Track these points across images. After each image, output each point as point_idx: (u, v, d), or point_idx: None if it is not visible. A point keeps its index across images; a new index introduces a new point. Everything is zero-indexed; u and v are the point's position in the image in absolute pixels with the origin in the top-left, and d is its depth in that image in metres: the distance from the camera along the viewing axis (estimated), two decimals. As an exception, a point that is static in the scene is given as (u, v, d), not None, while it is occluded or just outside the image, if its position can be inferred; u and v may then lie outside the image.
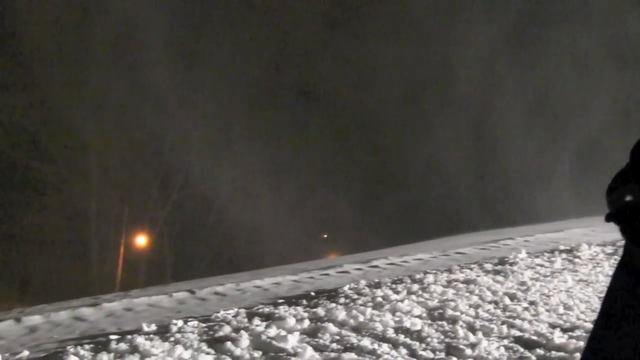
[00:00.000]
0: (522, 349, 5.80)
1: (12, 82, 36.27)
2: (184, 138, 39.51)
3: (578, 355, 5.56)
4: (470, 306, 7.42)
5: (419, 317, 6.92)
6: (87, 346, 5.78)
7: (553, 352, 5.70)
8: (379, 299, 7.64)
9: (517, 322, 6.74)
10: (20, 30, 35.81)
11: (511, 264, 10.58)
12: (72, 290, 30.52)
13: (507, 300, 7.76)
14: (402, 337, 6.07)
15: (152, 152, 39.54)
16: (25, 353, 5.76)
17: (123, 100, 37.86)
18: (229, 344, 5.66)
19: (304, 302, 7.98)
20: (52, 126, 37.26)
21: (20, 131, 36.81)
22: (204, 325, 6.65)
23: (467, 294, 8.05)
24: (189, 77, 39.12)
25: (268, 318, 6.84)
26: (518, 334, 6.34)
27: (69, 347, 5.78)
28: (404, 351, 5.62)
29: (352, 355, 5.44)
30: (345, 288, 8.76)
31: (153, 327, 6.63)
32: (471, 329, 6.43)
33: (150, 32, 37.70)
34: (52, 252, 36.81)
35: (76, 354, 5.38)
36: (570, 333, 6.37)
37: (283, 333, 5.99)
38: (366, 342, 5.80)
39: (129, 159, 39.29)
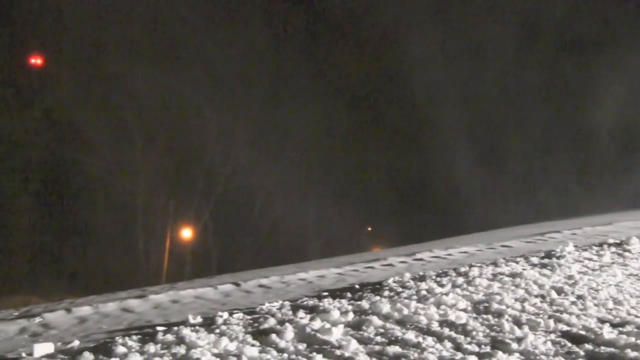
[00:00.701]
0: (569, 344, 5.69)
1: (62, 79, 37.13)
2: (228, 132, 39.89)
3: (629, 351, 5.43)
4: (516, 300, 7.31)
5: (464, 310, 6.85)
6: (134, 337, 5.89)
7: (602, 348, 5.57)
8: (424, 292, 7.59)
9: (565, 316, 6.61)
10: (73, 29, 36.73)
11: (558, 257, 10.38)
12: (119, 281, 31.17)
13: (554, 294, 7.62)
14: (446, 331, 6.02)
15: (197, 146, 40.01)
16: (76, 343, 5.90)
17: (169, 97, 38.44)
18: (273, 336, 5.69)
19: (349, 294, 7.98)
20: (101, 123, 38.08)
21: (69, 128, 37.70)
22: (249, 317, 6.71)
23: (513, 288, 7.93)
24: (232, 73, 39.51)
25: (312, 311, 6.86)
26: (565, 328, 6.22)
27: (117, 337, 5.90)
28: (448, 345, 5.57)
29: (397, 348, 5.42)
30: (390, 281, 8.72)
31: (199, 319, 6.72)
32: (517, 323, 6.34)
33: (195, 32, 38.38)
34: (100, 244, 37.63)
35: (124, 345, 5.48)
36: (620, 328, 6.22)
37: (327, 326, 6.00)
38: (410, 335, 5.77)
39: (174, 153, 39.89)
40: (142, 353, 5.15)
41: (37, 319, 7.25)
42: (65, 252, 38.66)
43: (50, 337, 6.37)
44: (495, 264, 10.01)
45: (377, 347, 5.46)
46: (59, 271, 39.23)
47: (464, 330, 6.05)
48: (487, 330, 6.05)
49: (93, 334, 6.53)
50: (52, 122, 37.76)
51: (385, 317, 6.50)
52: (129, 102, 38.20)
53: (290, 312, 6.83)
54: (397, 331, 5.97)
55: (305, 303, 7.48)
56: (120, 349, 5.32)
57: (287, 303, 7.47)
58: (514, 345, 5.53)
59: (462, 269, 9.49)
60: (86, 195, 38.45)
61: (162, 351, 5.25)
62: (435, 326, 6.18)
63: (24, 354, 5.45)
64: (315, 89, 43.03)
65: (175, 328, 6.10)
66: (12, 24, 36.60)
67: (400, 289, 8.00)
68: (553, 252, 10.98)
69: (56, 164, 38.09)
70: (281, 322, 6.25)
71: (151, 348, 5.34)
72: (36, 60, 39.85)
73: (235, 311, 7.13)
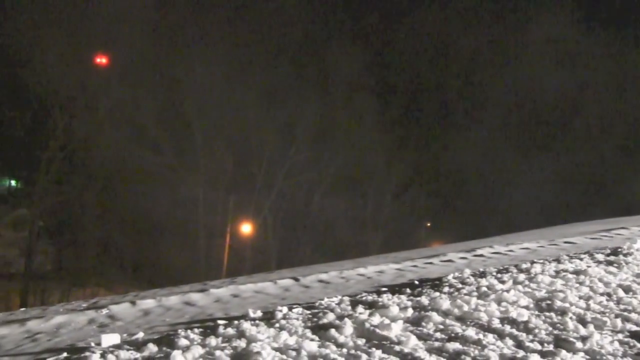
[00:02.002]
0: (639, 345, 5.50)
1: (126, 78, 38.08)
2: (287, 128, 40.19)
3: (702, 352, 5.22)
4: (581, 298, 7.11)
5: (526, 307, 6.71)
6: (196, 330, 6.00)
7: (674, 349, 5.36)
8: (484, 289, 7.48)
9: (633, 315, 6.38)
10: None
11: (625, 255, 10.04)
12: (180, 275, 31.86)
13: (621, 293, 7.37)
14: (508, 328, 5.91)
15: (257, 142, 40.46)
16: (141, 334, 6.05)
17: (228, 94, 39.00)
18: (332, 331, 5.70)
19: (408, 290, 7.94)
20: (162, 119, 38.95)
21: (132, 125, 38.67)
22: (308, 312, 6.74)
23: (577, 285, 7.72)
24: (290, 70, 39.84)
25: (371, 306, 6.84)
26: (634, 328, 6.01)
27: (179, 330, 6.03)
28: (510, 342, 5.47)
29: (457, 344, 5.35)
30: (450, 277, 8.64)
31: (259, 313, 6.80)
32: (582, 321, 6.16)
33: (254, 32, 38.93)
34: (162, 239, 38.51)
35: (186, 337, 5.59)
36: (693, 329, 5.98)
37: (386, 321, 5.98)
38: (471, 332, 5.70)
39: (234, 149, 40.45)
40: (203, 346, 5.25)
41: (104, 311, 7.48)
42: (130, 246, 39.76)
43: (116, 328, 6.57)
44: (558, 260, 9.78)
45: (436, 344, 5.41)
46: (124, 265, 40.39)
47: (525, 327, 5.93)
48: (550, 328, 5.91)
49: (157, 326, 6.69)
50: (116, 119, 38.81)
51: (445, 314, 6.43)
52: (189, 100, 38.94)
53: (349, 308, 6.84)
54: (457, 328, 5.90)
55: (364, 298, 7.47)
56: (183, 342, 5.43)
57: (346, 298, 7.48)
58: (579, 344, 5.38)
59: (524, 266, 9.31)
60: (149, 191, 39.38)
61: (223, 344, 5.34)
62: (496, 323, 6.08)
63: (92, 344, 5.63)
64: (371, 84, 42.96)
65: (236, 322, 6.18)
66: (78, 23, 37.76)
67: (460, 285, 7.91)
68: (620, 249, 10.64)
69: (120, 160, 39.15)
70: (340, 317, 6.26)
71: (212, 341, 5.43)
72: (101, 60, 41.03)
73: (294, 306, 7.18)
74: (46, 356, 5.34)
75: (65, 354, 5.27)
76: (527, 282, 7.86)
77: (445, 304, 6.69)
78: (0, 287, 36.83)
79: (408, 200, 44.60)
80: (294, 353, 5.07)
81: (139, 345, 5.39)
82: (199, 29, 38.92)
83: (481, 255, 11.63)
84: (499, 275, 8.51)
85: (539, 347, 5.35)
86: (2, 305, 34.79)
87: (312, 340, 5.48)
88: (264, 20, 39.54)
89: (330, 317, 6.31)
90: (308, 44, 41.62)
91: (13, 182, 48.49)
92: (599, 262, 9.45)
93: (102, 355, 4.92)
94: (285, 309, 6.82)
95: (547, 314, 6.43)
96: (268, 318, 6.46)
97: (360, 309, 6.66)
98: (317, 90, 41.65)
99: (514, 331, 5.80)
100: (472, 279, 8.34)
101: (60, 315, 7.28)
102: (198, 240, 39.78)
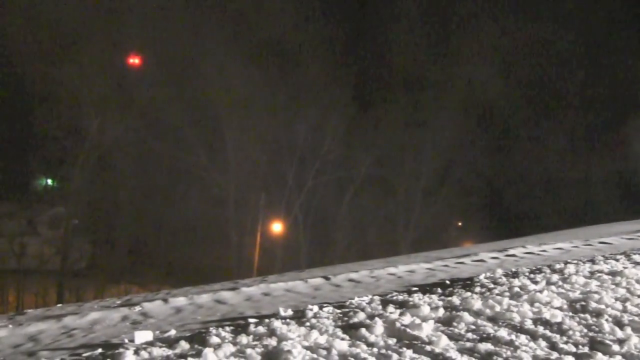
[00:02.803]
0: (677, 348, 5.38)
1: (158, 78, 38.51)
2: (318, 126, 40.24)
3: None
4: (617, 299, 6.98)
5: (559, 308, 6.61)
6: (227, 328, 6.04)
7: None
8: (517, 289, 7.39)
9: (672, 318, 6.26)
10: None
11: (663, 256, 9.86)
12: (211, 273, 32.13)
13: (659, 295, 7.24)
14: (541, 329, 5.83)
15: (287, 141, 40.59)
16: (173, 332, 6.12)
17: (259, 92, 39.19)
18: (363, 330, 5.69)
19: (439, 290, 7.89)
20: (194, 119, 39.29)
21: (165, 125, 39.10)
22: (338, 311, 6.74)
23: (613, 287, 7.59)
24: (322, 68, 39.88)
25: (402, 305, 6.82)
26: (673, 331, 5.89)
27: (211, 328, 6.08)
28: (543, 343, 5.39)
29: (489, 345, 5.30)
30: (481, 277, 8.56)
31: (289, 312, 6.81)
32: (618, 323, 6.04)
33: (285, 29, 39.08)
34: (194, 238, 38.88)
35: (218, 335, 5.63)
36: None
37: (417, 321, 5.94)
38: (503, 333, 5.63)
39: (265, 148, 40.63)
40: (234, 344, 5.28)
41: (137, 308, 7.58)
42: (162, 244, 40.20)
43: (149, 325, 6.65)
44: (592, 261, 9.63)
45: (468, 344, 5.36)
46: (156, 263, 40.86)
47: (559, 329, 5.84)
48: (585, 330, 5.81)
49: (188, 323, 6.75)
50: (149, 119, 39.26)
51: (477, 314, 6.37)
52: (221, 99, 39.21)
53: (380, 307, 6.82)
54: (489, 328, 5.85)
55: (395, 298, 7.45)
56: (214, 339, 5.47)
57: (376, 297, 7.46)
58: (615, 347, 5.28)
59: (557, 266, 9.18)
60: (181, 189, 39.79)
61: (254, 342, 5.36)
62: (529, 324, 6.00)
63: (126, 340, 5.70)
64: (400, 84, 42.83)
65: (267, 320, 6.21)
66: (111, 24, 38.31)
67: (492, 285, 7.83)
68: (657, 250, 10.46)
69: (152, 159, 39.64)
70: (371, 317, 6.25)
71: (243, 339, 5.46)
72: (134, 60, 41.57)
73: (325, 305, 7.19)
74: (82, 352, 5.43)
75: (100, 350, 5.35)
76: (560, 283, 7.76)
77: (476, 304, 6.63)
78: (37, 284, 37.62)
79: (439, 199, 44.32)
80: (324, 352, 5.07)
81: (171, 343, 5.45)
82: (230, 28, 39.17)
83: (513, 255, 11.50)
84: (532, 276, 8.41)
85: (573, 349, 5.27)
86: (40, 301, 35.58)
87: (342, 339, 5.48)
88: (294, 19, 39.62)
89: (361, 316, 6.30)
90: (339, 42, 41.62)
91: (49, 181, 49.42)
92: (636, 264, 9.28)
93: (136, 352, 4.98)
94: (315, 308, 6.82)
95: (582, 315, 6.33)
96: (299, 317, 6.47)
97: (391, 308, 6.64)
98: (348, 88, 41.63)
99: (548, 332, 5.72)
100: (504, 279, 8.25)
101: (95, 312, 7.40)
102: (229, 239, 40.05)
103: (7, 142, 40.61)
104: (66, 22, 35.96)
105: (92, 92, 37.71)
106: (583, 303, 6.77)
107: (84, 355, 5.23)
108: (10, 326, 6.77)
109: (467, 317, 6.17)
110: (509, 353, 5.09)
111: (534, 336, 5.57)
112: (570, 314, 6.40)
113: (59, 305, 14.04)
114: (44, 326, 6.77)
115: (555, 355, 5.05)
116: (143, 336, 5.74)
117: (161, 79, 38.66)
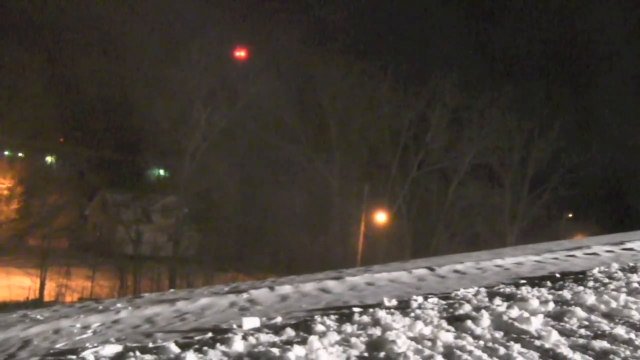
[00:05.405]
0: None
1: (263, 70, 39.34)
2: (422, 117, 39.86)
3: None
4: None
5: (683, 306, 6.22)
6: (332, 316, 6.09)
7: None
8: (635, 285, 7.01)
9: None
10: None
11: None
12: (316, 262, 32.54)
13: None
14: (662, 328, 5.51)
15: (392, 131, 40.42)
16: (279, 319, 6.24)
17: (362, 83, 39.26)
18: (469, 322, 5.58)
19: (548, 283, 7.62)
20: (299, 111, 39.87)
21: (270, 116, 39.91)
22: (443, 302, 6.65)
23: None
24: (426, 59, 39.44)
25: (510, 298, 6.64)
26: None
27: (316, 316, 6.15)
28: (664, 343, 5.10)
29: (604, 343, 5.05)
30: (595, 271, 8.19)
31: (394, 302, 6.78)
32: None
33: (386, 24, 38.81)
34: (299, 227, 39.50)
35: (323, 324, 5.69)
36: None
37: (526, 314, 5.77)
38: (620, 331, 5.35)
39: (369, 138, 40.65)
40: (339, 332, 5.32)
41: (245, 295, 7.79)
42: (268, 233, 41.14)
43: (256, 312, 6.81)
44: None
45: (581, 341, 5.14)
46: (262, 251, 41.88)
47: (683, 328, 5.50)
48: None
49: (294, 311, 6.86)
50: (255, 110, 40.20)
51: (590, 309, 6.10)
52: (325, 91, 39.56)
53: (486, 299, 6.67)
54: (604, 325, 5.58)
55: (501, 290, 7.26)
56: (319, 327, 5.53)
57: (482, 289, 7.30)
58: None
59: (681, 261, 8.65)
60: (286, 179, 40.51)
61: (359, 331, 5.38)
62: (649, 322, 5.69)
63: (234, 326, 5.88)
64: (509, 69, 41.52)
65: (371, 310, 6.21)
66: (218, 17, 39.52)
67: (606, 280, 7.47)
68: None
69: (258, 149, 40.59)
70: (477, 309, 6.12)
71: (348, 328, 5.49)
72: (240, 53, 42.67)
73: (429, 296, 7.11)
74: (193, 335, 5.65)
75: (210, 334, 5.55)
76: (685, 279, 7.30)
77: (590, 299, 6.35)
78: (152, 269, 39.62)
79: (548, 189, 42.74)
80: (429, 343, 5.01)
81: (277, 329, 5.56)
82: (332, 21, 39.45)
83: (631, 249, 10.92)
84: (652, 271, 7.97)
85: (699, 349, 4.94)
86: (154, 285, 37.45)
87: (447, 331, 5.40)
88: (397, 13, 39.39)
89: (467, 308, 6.19)
90: (447, 29, 40.96)
91: (162, 172, 51.73)
92: None
93: (244, 337, 5.12)
94: (420, 299, 6.76)
95: None
96: (403, 307, 6.44)
97: (497, 300, 6.48)
98: (453, 77, 40.86)
99: (669, 331, 5.40)
100: (620, 274, 7.85)
101: (205, 298, 7.67)
102: (333, 229, 40.41)
103: (124, 136, 42.92)
104: (176, 22, 37.52)
105: (201, 85, 39.09)
106: None
107: (196, 338, 5.44)
108: (130, 308, 7.16)
109: (580, 312, 5.91)
110: (627, 352, 4.83)
111: (654, 335, 5.27)
112: (695, 312, 6.01)
113: (172, 290, 14.69)
114: (159, 309, 7.09)
115: (679, 356, 4.76)
116: (251, 322, 5.89)
117: (266, 70, 39.48)
